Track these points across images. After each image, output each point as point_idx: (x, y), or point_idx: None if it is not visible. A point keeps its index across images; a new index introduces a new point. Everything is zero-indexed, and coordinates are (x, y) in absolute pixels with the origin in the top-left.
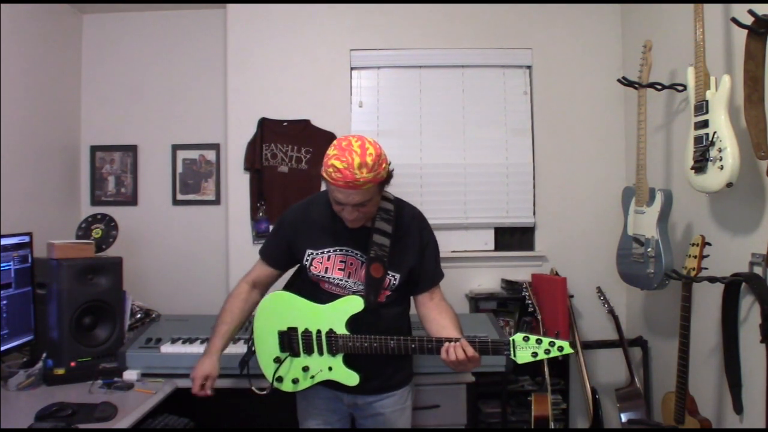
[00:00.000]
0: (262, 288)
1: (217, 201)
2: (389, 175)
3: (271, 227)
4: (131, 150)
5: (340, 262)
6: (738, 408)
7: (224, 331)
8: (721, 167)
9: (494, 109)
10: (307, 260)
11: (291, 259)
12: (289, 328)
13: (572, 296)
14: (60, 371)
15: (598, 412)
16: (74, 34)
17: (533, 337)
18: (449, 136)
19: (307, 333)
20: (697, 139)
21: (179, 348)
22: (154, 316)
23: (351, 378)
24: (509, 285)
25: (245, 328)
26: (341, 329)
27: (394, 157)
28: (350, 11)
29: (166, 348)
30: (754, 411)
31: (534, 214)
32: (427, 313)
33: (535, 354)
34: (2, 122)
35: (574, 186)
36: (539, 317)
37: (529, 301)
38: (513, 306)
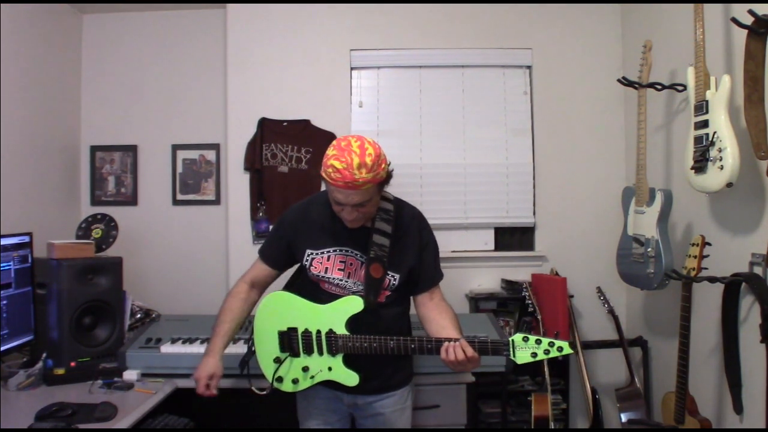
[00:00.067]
0: (261, 288)
1: (217, 201)
2: (389, 176)
3: (271, 227)
4: (131, 150)
5: (340, 262)
6: (738, 408)
7: (225, 331)
8: (721, 167)
9: (494, 109)
10: (306, 260)
11: (290, 259)
12: (289, 329)
13: (572, 296)
14: (60, 371)
15: (598, 412)
16: (74, 34)
17: (532, 338)
18: (449, 136)
19: (306, 333)
20: (697, 139)
21: (179, 348)
22: (154, 316)
23: (351, 378)
24: (509, 285)
25: (245, 328)
26: (341, 329)
27: (394, 157)
28: (350, 11)
29: (166, 348)
30: (754, 411)
31: (534, 214)
32: (426, 313)
33: (534, 354)
34: (2, 122)
35: (574, 186)
36: (539, 317)
37: (529, 301)
38: (513, 306)
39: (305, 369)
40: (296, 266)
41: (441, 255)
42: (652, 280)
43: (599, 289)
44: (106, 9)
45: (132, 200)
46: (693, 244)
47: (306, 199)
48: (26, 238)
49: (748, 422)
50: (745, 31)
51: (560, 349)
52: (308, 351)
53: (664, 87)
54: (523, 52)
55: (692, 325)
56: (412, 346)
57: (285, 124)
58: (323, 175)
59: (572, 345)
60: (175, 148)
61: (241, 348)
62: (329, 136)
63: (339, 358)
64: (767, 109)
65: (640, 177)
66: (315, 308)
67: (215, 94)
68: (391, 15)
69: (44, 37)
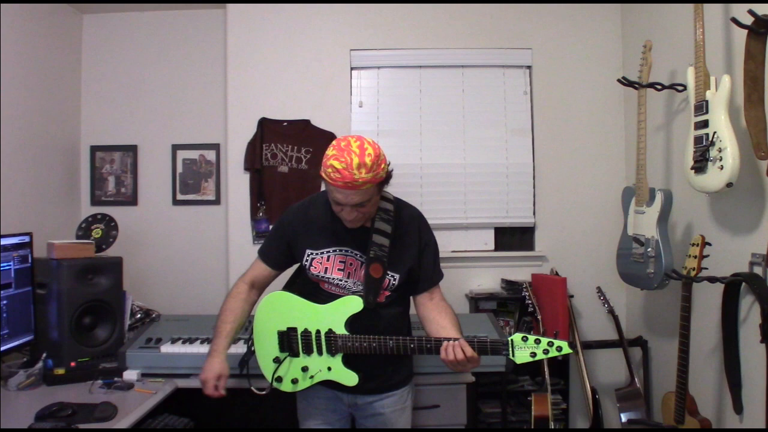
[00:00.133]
0: (261, 288)
1: (217, 201)
2: (388, 176)
3: (271, 227)
4: (131, 150)
5: (340, 262)
6: (738, 408)
7: (228, 331)
8: (721, 167)
9: (494, 109)
10: (306, 260)
11: (290, 259)
12: (288, 329)
13: (572, 296)
14: (60, 371)
15: (598, 412)
16: (74, 34)
17: (532, 337)
18: (449, 136)
19: (306, 333)
20: (697, 139)
21: (179, 348)
22: (154, 316)
23: (350, 378)
24: (509, 285)
25: (245, 328)
26: (340, 329)
27: (394, 157)
28: (350, 11)
29: (166, 348)
30: (754, 411)
31: (534, 214)
32: (426, 313)
33: (533, 354)
34: (2, 122)
35: (574, 186)
36: (539, 317)
37: (529, 301)
38: (513, 306)
39: (305, 369)
40: (296, 266)
41: (441, 255)
42: (652, 280)
43: (599, 289)
44: (106, 9)
45: (132, 200)
46: (693, 244)
47: (306, 199)
48: (26, 238)
49: (748, 422)
50: (745, 31)
51: (559, 348)
52: (308, 351)
53: (664, 87)
54: (523, 52)
55: (692, 325)
56: (412, 346)
57: (285, 124)
58: (323, 175)
59: (572, 345)
60: (175, 148)
61: (240, 348)
62: (329, 136)
63: (338, 358)
64: (767, 109)
65: (640, 177)
66: (314, 308)
67: (215, 94)
68: (391, 15)
69: (44, 37)
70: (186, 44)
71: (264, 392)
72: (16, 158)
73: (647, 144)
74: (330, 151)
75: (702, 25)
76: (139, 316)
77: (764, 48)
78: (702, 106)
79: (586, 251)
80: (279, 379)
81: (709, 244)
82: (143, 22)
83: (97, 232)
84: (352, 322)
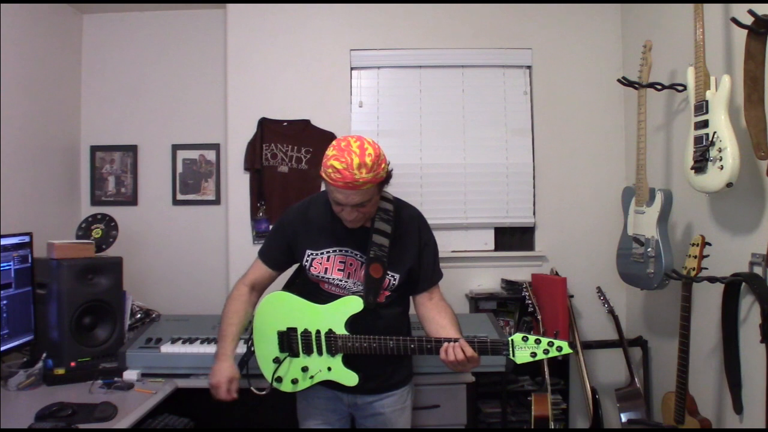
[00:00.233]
0: (261, 289)
1: (217, 201)
2: (388, 176)
3: (271, 227)
4: (131, 150)
5: (340, 262)
6: (738, 408)
7: (234, 333)
8: (721, 167)
9: (494, 109)
10: (306, 261)
11: (290, 260)
12: (288, 329)
13: (572, 296)
14: (60, 371)
15: (598, 412)
16: (74, 34)
17: (532, 337)
18: (449, 136)
19: (306, 333)
20: (697, 139)
21: (179, 348)
22: (154, 316)
23: (350, 378)
24: (509, 285)
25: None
26: (341, 329)
27: (394, 157)
28: (350, 11)
29: (166, 348)
30: (754, 411)
31: (534, 214)
32: (426, 313)
33: (533, 354)
34: (2, 122)
35: (574, 186)
36: (539, 317)
37: (529, 301)
38: (513, 306)
39: (305, 369)
40: (295, 266)
41: (441, 255)
42: (652, 280)
43: (599, 289)
44: (106, 9)
45: (132, 200)
46: (693, 244)
47: (305, 199)
48: (26, 238)
49: (748, 422)
50: (745, 31)
51: (559, 348)
52: (308, 351)
53: (664, 87)
54: (523, 52)
55: (692, 325)
56: (412, 346)
57: (285, 124)
58: (323, 175)
59: (572, 345)
60: (175, 148)
61: (240, 348)
62: (329, 136)
63: (338, 358)
64: (767, 109)
65: (640, 177)
66: (314, 308)
67: (215, 94)
68: (391, 15)
69: (44, 37)
70: (186, 44)
71: (264, 392)
72: (16, 158)
73: (647, 144)
74: (330, 152)
75: (702, 25)
76: (139, 316)
77: (764, 48)
78: (702, 106)
79: (586, 251)
80: (279, 380)
81: (709, 244)
82: (143, 22)
83: (97, 232)
84: (352, 323)
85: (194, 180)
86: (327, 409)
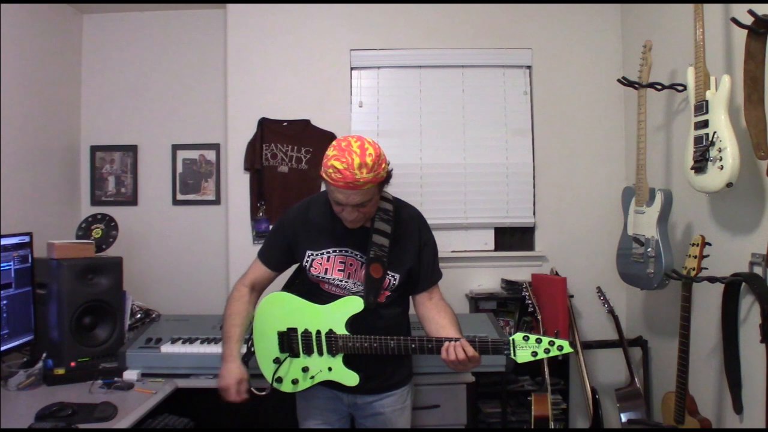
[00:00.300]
0: (260, 290)
1: (217, 201)
2: (389, 175)
3: (271, 227)
4: (131, 150)
5: (340, 263)
6: (738, 408)
7: (238, 334)
8: (721, 167)
9: (494, 109)
10: (306, 261)
11: (290, 260)
12: (288, 329)
13: (572, 296)
14: (60, 371)
15: (598, 412)
16: (74, 34)
17: (533, 337)
18: (449, 136)
19: (306, 333)
20: (697, 139)
21: (179, 348)
22: (154, 316)
23: (351, 378)
24: (509, 285)
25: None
26: (341, 329)
27: (394, 157)
28: (350, 11)
29: (166, 348)
30: (754, 411)
31: (534, 214)
32: (426, 312)
33: (534, 353)
34: (2, 122)
35: (574, 186)
36: (539, 317)
37: (529, 301)
38: (513, 306)
39: (305, 369)
40: (294, 267)
41: (441, 255)
42: (652, 280)
43: (599, 289)
44: (106, 9)
45: (132, 200)
46: (693, 244)
47: (305, 199)
48: (26, 238)
49: (748, 422)
50: (745, 31)
51: (560, 347)
52: (308, 351)
53: (664, 87)
54: (523, 52)
55: (692, 325)
56: (413, 345)
57: (285, 124)
58: (323, 175)
59: (572, 344)
60: (175, 148)
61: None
62: (329, 136)
63: (339, 358)
64: (767, 109)
65: (640, 177)
66: (315, 308)
67: (215, 94)
68: (391, 15)
69: (44, 37)
70: (186, 44)
71: (264, 393)
72: (16, 158)
73: (647, 144)
74: (330, 152)
75: (702, 25)
76: (139, 316)
77: (764, 48)
78: (702, 106)
79: (586, 251)
80: (279, 380)
81: (709, 244)
82: (143, 22)
83: (97, 232)
84: (353, 323)
85: (194, 180)
86: (327, 409)
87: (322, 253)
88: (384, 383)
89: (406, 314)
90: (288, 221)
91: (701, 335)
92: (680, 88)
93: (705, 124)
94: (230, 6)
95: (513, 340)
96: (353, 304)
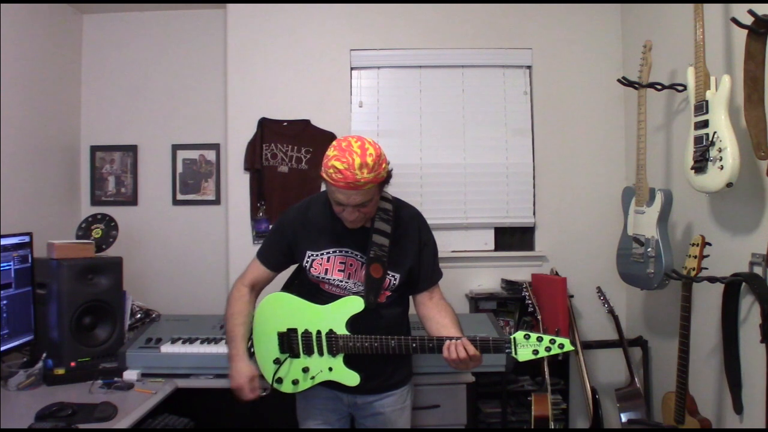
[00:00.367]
0: (259, 290)
1: (217, 201)
2: (389, 175)
3: (271, 227)
4: (131, 150)
5: (340, 263)
6: (738, 408)
7: (243, 333)
8: (721, 167)
9: (494, 109)
10: (306, 262)
11: (289, 260)
12: (288, 330)
13: (572, 296)
14: (60, 371)
15: (598, 412)
16: (74, 34)
17: (534, 335)
18: (449, 136)
19: (306, 334)
20: (697, 139)
21: (179, 348)
22: (154, 316)
23: (352, 378)
24: (509, 285)
25: None
26: (341, 330)
27: (394, 157)
28: (350, 11)
29: (166, 348)
30: (754, 411)
31: (534, 214)
32: (426, 312)
33: (536, 351)
34: (2, 122)
35: (574, 186)
36: (539, 317)
37: (529, 301)
38: (513, 306)
39: (305, 370)
40: (293, 267)
41: (441, 255)
42: (652, 280)
43: (599, 289)
44: (106, 9)
45: (132, 200)
46: (693, 244)
47: (305, 199)
48: (26, 238)
49: (748, 422)
50: (745, 31)
51: (561, 345)
52: (308, 352)
53: (664, 87)
54: (523, 52)
55: (692, 325)
56: (414, 345)
57: (285, 124)
58: (324, 176)
59: (572, 343)
60: (175, 148)
61: None
62: (329, 136)
63: (339, 358)
64: (767, 109)
65: (640, 177)
66: (315, 309)
67: (215, 94)
68: (391, 15)
69: (44, 37)
70: (186, 44)
71: (264, 393)
72: (16, 158)
73: (647, 144)
74: (331, 152)
75: (702, 25)
76: (139, 316)
77: (764, 48)
78: (702, 106)
79: (586, 251)
80: (279, 380)
81: (709, 244)
82: (143, 22)
83: (97, 232)
84: (353, 323)
85: (194, 180)
86: (327, 409)
87: (322, 254)
88: (384, 383)
89: (407, 314)
90: (288, 221)
91: (701, 335)
92: (680, 88)
93: (705, 124)
94: (230, 6)
95: (514, 338)
96: (353, 304)
